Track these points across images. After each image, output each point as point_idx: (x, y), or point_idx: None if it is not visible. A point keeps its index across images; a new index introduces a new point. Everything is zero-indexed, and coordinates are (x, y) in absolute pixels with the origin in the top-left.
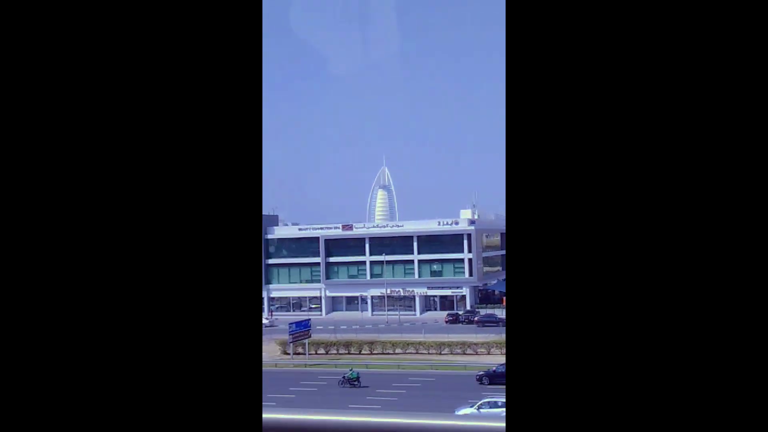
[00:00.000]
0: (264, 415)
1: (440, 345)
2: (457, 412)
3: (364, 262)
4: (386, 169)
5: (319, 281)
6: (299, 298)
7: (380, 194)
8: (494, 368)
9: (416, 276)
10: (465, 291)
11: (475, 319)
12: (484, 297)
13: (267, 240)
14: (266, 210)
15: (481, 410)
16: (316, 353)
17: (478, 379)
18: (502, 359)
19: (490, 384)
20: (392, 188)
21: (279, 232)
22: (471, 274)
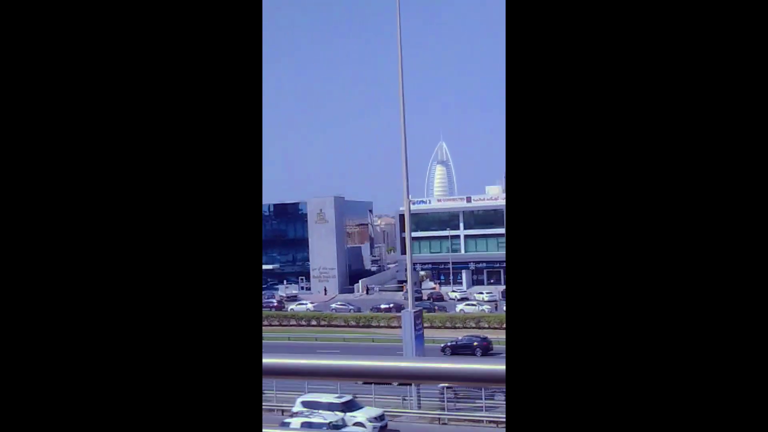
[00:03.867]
0: (264, 360)
1: None
2: None
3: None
4: (444, 144)
5: None
6: None
7: (439, 170)
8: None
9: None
10: None
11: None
12: None
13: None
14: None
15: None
16: None
17: (441, 350)
18: None
19: (452, 354)
20: (451, 164)
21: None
22: None
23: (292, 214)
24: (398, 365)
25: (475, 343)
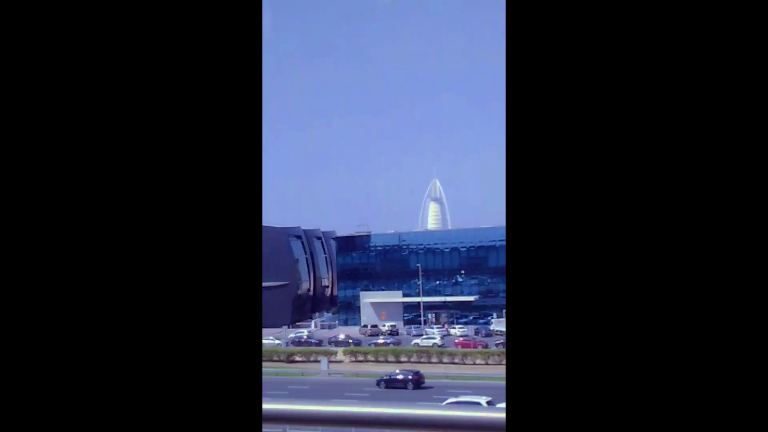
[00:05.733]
0: (264, 406)
1: None
2: None
3: None
4: (437, 182)
5: None
6: None
7: (432, 207)
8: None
9: None
10: None
11: None
12: None
13: None
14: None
15: None
16: None
17: (377, 383)
18: None
19: (386, 388)
20: (444, 201)
21: None
22: None
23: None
24: (394, 413)
25: (408, 377)
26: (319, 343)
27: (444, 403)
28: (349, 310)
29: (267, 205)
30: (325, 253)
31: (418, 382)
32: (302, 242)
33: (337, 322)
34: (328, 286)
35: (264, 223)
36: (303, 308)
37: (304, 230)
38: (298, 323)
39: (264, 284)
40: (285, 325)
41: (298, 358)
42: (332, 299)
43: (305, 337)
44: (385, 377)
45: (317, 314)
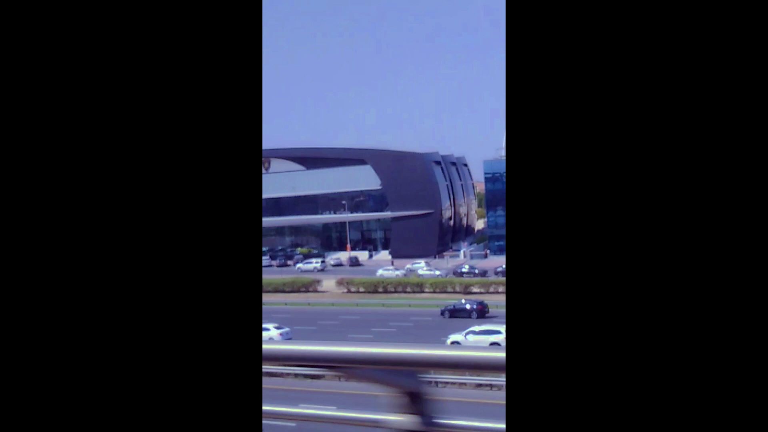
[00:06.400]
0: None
1: None
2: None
3: None
4: None
5: None
6: None
7: None
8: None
9: None
10: None
11: None
12: None
13: None
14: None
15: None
16: None
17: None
18: None
19: (451, 317)
20: None
21: None
22: None
23: None
24: (401, 352)
25: (473, 307)
26: (484, 274)
27: (465, 331)
28: (499, 239)
29: (380, 130)
30: (460, 180)
31: (482, 311)
32: (442, 168)
33: (488, 251)
34: (465, 215)
35: (391, 148)
36: (445, 237)
37: (441, 156)
38: (442, 253)
39: (409, 213)
40: (431, 255)
41: (475, 290)
42: (468, 228)
43: (467, 267)
44: (450, 307)
45: (459, 243)
